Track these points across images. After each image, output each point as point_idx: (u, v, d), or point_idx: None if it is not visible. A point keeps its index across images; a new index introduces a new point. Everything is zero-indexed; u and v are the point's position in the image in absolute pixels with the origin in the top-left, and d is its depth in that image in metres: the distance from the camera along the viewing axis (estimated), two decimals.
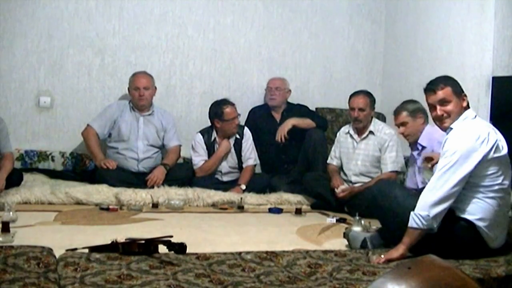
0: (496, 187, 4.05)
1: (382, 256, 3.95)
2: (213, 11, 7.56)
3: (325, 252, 4.05)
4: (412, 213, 3.94)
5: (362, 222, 5.17)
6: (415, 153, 5.75)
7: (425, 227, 3.90)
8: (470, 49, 6.46)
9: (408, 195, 4.39)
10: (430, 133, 5.59)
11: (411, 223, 3.93)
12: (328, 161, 6.69)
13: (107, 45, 7.22)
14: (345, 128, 6.62)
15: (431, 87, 4.31)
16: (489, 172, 4.02)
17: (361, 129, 6.41)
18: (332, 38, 8.05)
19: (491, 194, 4.04)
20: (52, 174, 6.80)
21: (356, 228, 5.05)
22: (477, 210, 4.03)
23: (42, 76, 7.02)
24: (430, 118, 5.53)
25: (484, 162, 3.97)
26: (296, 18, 7.89)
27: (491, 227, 4.05)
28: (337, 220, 5.73)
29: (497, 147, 4.01)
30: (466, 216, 4.03)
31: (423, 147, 5.65)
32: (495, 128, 4.23)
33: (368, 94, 6.42)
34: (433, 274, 2.48)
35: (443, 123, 4.22)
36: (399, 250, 3.94)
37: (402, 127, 5.73)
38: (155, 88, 6.87)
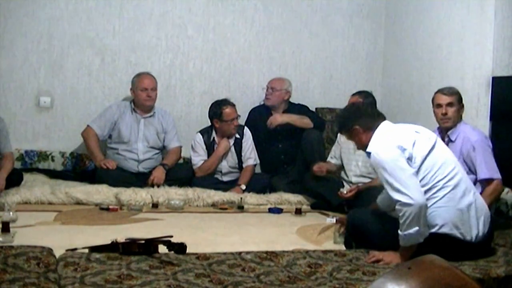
0: (439, 186, 4.04)
1: (380, 256, 3.95)
2: (213, 11, 7.56)
3: (325, 252, 4.07)
4: (400, 233, 3.92)
5: None
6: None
7: (416, 241, 3.92)
8: (470, 49, 6.45)
9: (382, 218, 4.40)
10: (468, 135, 5.27)
11: (401, 242, 3.95)
12: (327, 160, 6.69)
13: (107, 45, 7.22)
14: None
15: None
16: (424, 176, 4.03)
17: None
18: (332, 38, 8.04)
19: (439, 195, 4.03)
20: (52, 174, 6.80)
21: None
22: (434, 220, 4.01)
23: (42, 76, 7.02)
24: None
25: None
26: (296, 18, 7.88)
27: (458, 224, 4.03)
28: (337, 220, 5.72)
29: (417, 149, 4.06)
30: (430, 230, 4.01)
31: (451, 141, 5.29)
32: (416, 127, 4.28)
33: (364, 95, 6.40)
34: (433, 274, 2.48)
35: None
36: (395, 259, 3.94)
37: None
38: (156, 89, 6.89)
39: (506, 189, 5.59)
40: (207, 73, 7.58)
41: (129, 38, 7.29)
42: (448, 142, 5.53)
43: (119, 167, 6.60)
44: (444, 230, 3.99)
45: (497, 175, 5.08)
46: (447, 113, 5.17)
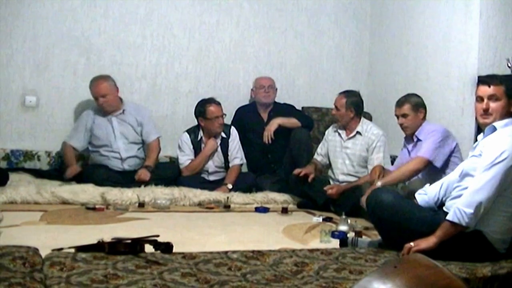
0: None
1: (412, 244, 3.93)
2: (198, 10, 7.56)
3: (312, 250, 4.06)
4: (456, 207, 3.92)
5: (348, 221, 5.20)
6: (409, 146, 5.84)
7: (465, 225, 3.89)
8: (455, 48, 6.48)
9: (401, 198, 4.42)
10: (427, 130, 5.69)
11: (453, 217, 3.91)
12: (314, 157, 6.70)
13: (92, 44, 7.20)
14: (334, 127, 6.65)
15: (486, 80, 4.23)
16: None
17: (348, 128, 6.43)
18: (317, 37, 8.07)
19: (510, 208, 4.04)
20: (38, 173, 6.76)
21: (343, 227, 5.09)
22: (492, 222, 4.00)
23: (27, 75, 6.99)
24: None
25: None
26: (281, 17, 7.90)
27: (503, 234, 4.05)
28: (323, 219, 5.74)
29: None
30: (479, 228, 3.99)
31: (419, 140, 5.71)
32: None
33: (347, 94, 6.46)
34: (419, 273, 2.49)
35: (484, 118, 4.15)
36: (429, 241, 3.92)
37: (402, 118, 5.77)
38: (117, 88, 6.81)
39: None
40: (193, 72, 7.58)
41: (115, 37, 7.28)
42: (417, 141, 5.69)
43: (104, 165, 6.61)
44: (494, 236, 4.02)
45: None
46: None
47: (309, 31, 8.03)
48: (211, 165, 6.90)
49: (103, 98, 6.68)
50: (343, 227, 5.10)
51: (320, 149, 6.69)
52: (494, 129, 4.10)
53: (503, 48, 6.08)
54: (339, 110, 6.40)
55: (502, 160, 3.88)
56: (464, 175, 4.15)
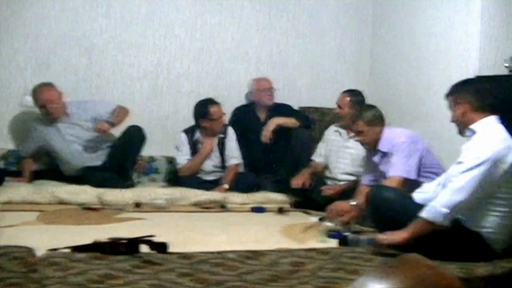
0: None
1: (385, 236, 3.97)
2: (200, 11, 7.56)
3: (309, 250, 4.07)
4: (431, 204, 3.92)
5: None
6: (375, 157, 5.62)
7: (439, 224, 3.88)
8: (456, 48, 6.47)
9: (402, 196, 4.42)
10: (389, 138, 5.49)
11: (427, 214, 3.91)
12: (312, 157, 6.69)
13: (94, 45, 7.20)
14: (335, 126, 6.65)
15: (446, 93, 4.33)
16: (507, 181, 3.98)
17: (349, 128, 6.42)
18: (319, 37, 8.06)
19: (505, 208, 4.02)
20: (36, 173, 6.74)
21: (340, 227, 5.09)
22: (488, 223, 4.00)
23: (28, 75, 6.97)
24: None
25: (508, 171, 3.94)
26: (283, 17, 7.89)
27: (499, 234, 4.04)
28: (320, 219, 5.72)
29: None
30: (475, 229, 4.00)
31: (385, 153, 5.51)
32: None
33: (352, 94, 6.48)
34: (418, 273, 2.47)
35: (457, 127, 4.26)
36: (400, 235, 3.94)
37: (359, 136, 5.60)
38: (60, 93, 6.67)
39: None
40: (194, 72, 7.58)
41: (116, 37, 7.27)
42: (383, 154, 5.55)
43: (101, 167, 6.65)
44: (489, 236, 4.01)
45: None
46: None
47: (310, 31, 8.03)
48: (208, 165, 6.90)
49: (52, 105, 6.53)
50: (340, 227, 5.11)
51: (320, 149, 6.67)
52: (474, 132, 4.10)
53: (505, 49, 6.05)
54: (343, 109, 6.39)
55: (482, 163, 3.88)
56: (446, 180, 4.16)
